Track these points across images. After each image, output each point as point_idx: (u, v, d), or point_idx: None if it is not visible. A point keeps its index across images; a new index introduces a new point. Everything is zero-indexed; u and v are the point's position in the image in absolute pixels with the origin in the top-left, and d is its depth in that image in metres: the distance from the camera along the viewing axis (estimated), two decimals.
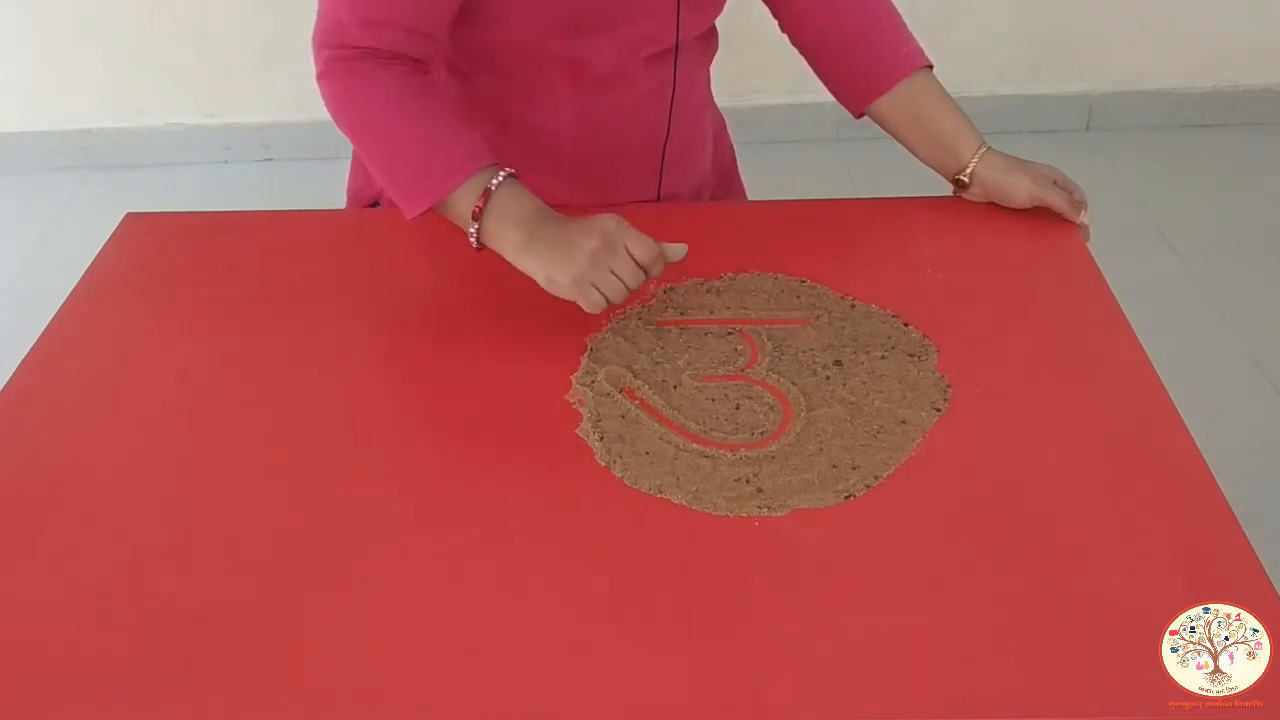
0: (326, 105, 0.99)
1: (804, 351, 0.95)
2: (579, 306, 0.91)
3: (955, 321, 0.98)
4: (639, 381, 0.91)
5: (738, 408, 0.90)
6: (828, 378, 0.92)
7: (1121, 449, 0.85)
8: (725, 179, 1.28)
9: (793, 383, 0.91)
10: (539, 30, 0.99)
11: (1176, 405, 0.89)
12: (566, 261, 0.90)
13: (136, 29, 2.63)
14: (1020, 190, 1.08)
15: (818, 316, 0.99)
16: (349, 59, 0.96)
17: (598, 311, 0.91)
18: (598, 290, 0.90)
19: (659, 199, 1.17)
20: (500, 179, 0.94)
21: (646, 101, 1.09)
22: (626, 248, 0.91)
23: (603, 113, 1.07)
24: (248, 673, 0.71)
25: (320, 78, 0.98)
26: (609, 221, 0.91)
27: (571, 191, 1.09)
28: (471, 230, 0.94)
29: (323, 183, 1.73)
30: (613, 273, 0.90)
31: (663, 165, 1.15)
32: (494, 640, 0.72)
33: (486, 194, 0.93)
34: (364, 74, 0.96)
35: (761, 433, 0.87)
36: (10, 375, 0.95)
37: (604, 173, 1.12)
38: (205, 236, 1.14)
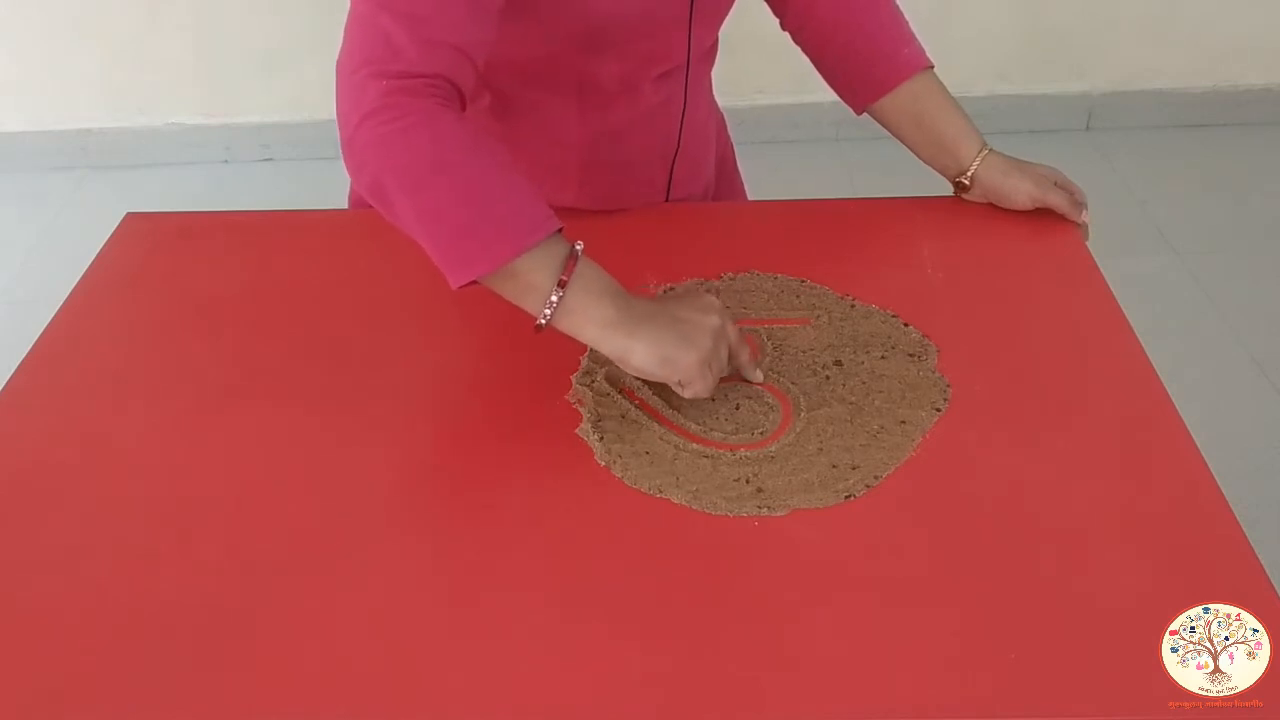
0: (370, 147, 0.83)
1: (804, 351, 0.95)
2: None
3: (955, 321, 0.98)
4: (638, 382, 0.91)
5: (738, 408, 0.89)
6: (828, 378, 0.92)
7: (1121, 449, 0.85)
8: (725, 177, 1.28)
9: (793, 383, 0.91)
10: (550, 48, 0.97)
11: (1176, 405, 0.89)
12: (687, 341, 0.83)
13: (136, 29, 2.63)
14: (1020, 193, 1.08)
15: (818, 316, 0.99)
16: (413, 91, 0.83)
17: (705, 396, 0.85)
18: (712, 373, 0.85)
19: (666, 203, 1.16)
20: (581, 247, 0.84)
21: (655, 115, 1.08)
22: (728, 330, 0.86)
23: (610, 127, 1.06)
24: (248, 673, 0.71)
25: (373, 113, 0.82)
26: (713, 299, 0.87)
27: (579, 199, 1.09)
28: (553, 299, 0.82)
29: (323, 183, 1.73)
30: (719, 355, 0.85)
31: (672, 175, 1.15)
32: (493, 640, 0.72)
33: (574, 259, 0.83)
34: (430, 112, 0.83)
35: (761, 433, 0.87)
36: (10, 375, 0.95)
37: (613, 182, 1.11)
38: (205, 236, 1.14)
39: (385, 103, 0.82)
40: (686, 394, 0.85)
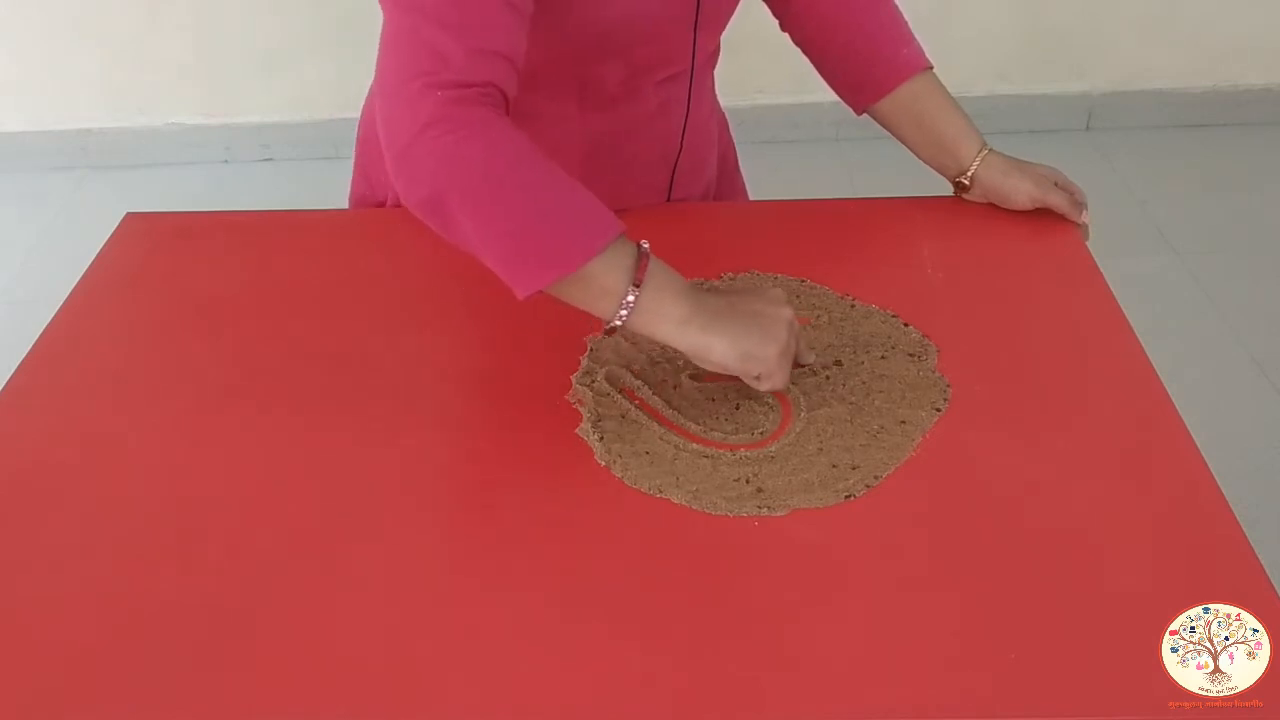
0: (429, 158, 0.81)
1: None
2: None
3: (955, 321, 0.98)
4: (638, 381, 0.91)
5: (738, 408, 0.89)
6: (828, 378, 0.92)
7: (1121, 449, 0.85)
8: (726, 177, 1.28)
9: (793, 383, 0.91)
10: (554, 52, 0.97)
11: (1176, 405, 0.89)
12: (766, 336, 0.84)
13: (136, 29, 2.63)
14: (1020, 193, 1.08)
15: (818, 317, 0.99)
16: (467, 101, 0.82)
17: (781, 389, 0.86)
18: (788, 364, 0.85)
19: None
20: (648, 246, 0.84)
21: (658, 118, 1.08)
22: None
23: (612, 129, 1.06)
24: (248, 673, 0.71)
25: (431, 124, 0.80)
26: (779, 291, 0.87)
27: None
28: (628, 300, 0.81)
29: (323, 183, 1.73)
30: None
31: (673, 177, 1.15)
32: (493, 640, 0.72)
33: (645, 258, 0.83)
34: (486, 121, 0.82)
35: (761, 433, 0.87)
36: (10, 375, 0.95)
37: (614, 184, 1.10)
38: (205, 236, 1.14)
39: (443, 113, 0.81)
40: (764, 387, 0.85)
